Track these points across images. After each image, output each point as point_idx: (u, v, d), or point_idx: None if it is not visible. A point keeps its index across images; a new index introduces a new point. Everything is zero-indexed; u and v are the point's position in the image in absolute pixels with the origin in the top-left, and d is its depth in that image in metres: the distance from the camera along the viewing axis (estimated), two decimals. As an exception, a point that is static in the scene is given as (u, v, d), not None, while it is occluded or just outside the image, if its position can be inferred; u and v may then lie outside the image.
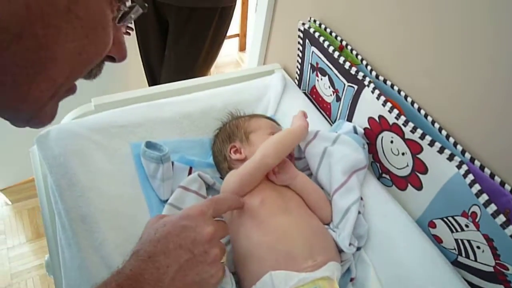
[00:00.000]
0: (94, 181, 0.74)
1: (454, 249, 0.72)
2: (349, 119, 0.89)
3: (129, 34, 1.53)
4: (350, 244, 0.73)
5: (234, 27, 2.72)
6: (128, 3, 0.42)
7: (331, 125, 0.95)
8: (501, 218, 0.60)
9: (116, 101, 0.92)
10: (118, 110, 0.87)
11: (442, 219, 0.72)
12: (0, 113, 0.39)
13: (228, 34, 1.60)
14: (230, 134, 0.85)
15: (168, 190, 0.79)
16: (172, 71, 1.49)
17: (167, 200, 0.77)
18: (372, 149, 0.85)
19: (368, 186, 0.81)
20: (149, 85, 1.71)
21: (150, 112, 0.88)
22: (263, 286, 0.64)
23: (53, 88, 0.38)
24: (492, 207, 0.61)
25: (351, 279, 0.74)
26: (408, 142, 0.74)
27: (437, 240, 0.75)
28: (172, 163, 0.82)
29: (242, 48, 2.94)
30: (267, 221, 0.70)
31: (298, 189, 0.77)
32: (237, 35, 2.88)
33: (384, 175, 0.85)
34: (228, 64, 2.94)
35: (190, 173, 0.84)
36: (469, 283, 0.70)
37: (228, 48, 2.96)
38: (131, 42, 1.56)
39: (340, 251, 0.73)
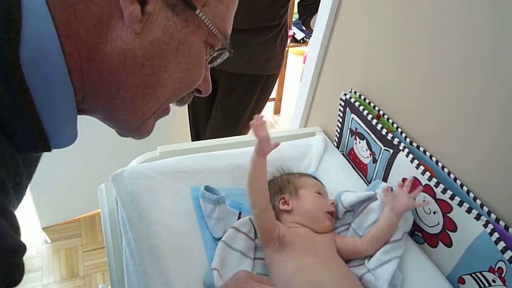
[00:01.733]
0: (160, 217, 0.85)
1: (483, 304, 0.78)
2: (385, 179, 0.99)
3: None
4: (386, 291, 0.80)
5: (270, 91, 2.95)
6: (217, 48, 0.54)
7: (367, 184, 1.05)
8: (525, 273, 0.67)
9: (178, 150, 1.06)
10: (181, 157, 1.00)
11: (470, 274, 0.79)
12: (115, 123, 0.50)
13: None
14: (281, 187, 0.97)
15: (221, 229, 0.89)
16: (218, 128, 1.64)
17: (220, 238, 0.88)
18: (405, 208, 0.94)
19: (408, 243, 0.89)
20: (192, 141, 1.87)
21: (208, 162, 1.01)
22: None
23: (156, 106, 0.50)
24: (517, 263, 0.69)
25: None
26: (439, 202, 0.83)
27: (466, 296, 0.81)
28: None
29: (277, 111, 3.14)
30: (301, 264, 0.80)
31: (395, 221, 0.86)
32: (273, 99, 3.09)
33: (416, 232, 0.93)
34: (263, 126, 3.12)
35: (239, 217, 0.95)
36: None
37: (264, 110, 3.17)
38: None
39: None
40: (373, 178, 1.04)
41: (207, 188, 0.92)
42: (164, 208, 0.88)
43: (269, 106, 3.21)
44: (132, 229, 0.82)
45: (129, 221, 0.83)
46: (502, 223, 0.75)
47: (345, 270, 0.83)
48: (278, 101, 3.09)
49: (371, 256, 0.86)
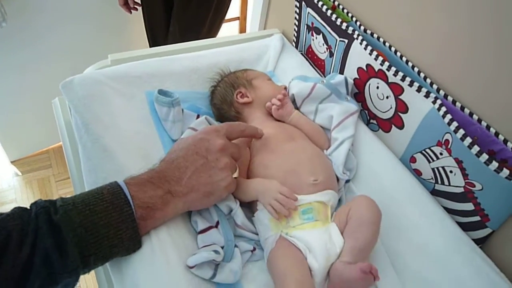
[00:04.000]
0: (115, 120, 0.83)
1: (432, 178, 0.82)
2: (341, 72, 0.99)
3: (136, 9, 1.62)
4: (344, 173, 0.83)
5: (234, 10, 2.81)
6: None
7: (325, 80, 1.05)
8: (468, 140, 0.71)
9: (130, 57, 1.02)
10: (134, 63, 0.97)
11: (421, 152, 0.82)
12: None
13: (229, 17, 1.68)
14: (232, 83, 0.95)
15: (178, 131, 0.89)
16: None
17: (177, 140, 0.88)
18: (360, 98, 0.95)
19: (357, 129, 0.91)
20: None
21: (163, 66, 0.98)
22: None
23: None
24: (461, 132, 0.72)
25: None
26: (391, 86, 0.84)
27: (417, 174, 0.85)
28: (182, 110, 0.92)
29: (243, 30, 3.03)
30: (277, 148, 0.81)
31: (294, 123, 0.88)
32: (237, 18, 2.97)
33: (371, 120, 0.95)
34: (228, 48, 3.02)
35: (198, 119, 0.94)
36: (445, 209, 0.81)
37: (229, 31, 3.05)
38: (137, 17, 1.66)
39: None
40: (330, 73, 1.04)
41: (161, 92, 0.90)
42: (118, 112, 0.86)
43: (234, 26, 3.09)
44: (87, 132, 0.80)
45: (84, 125, 0.81)
46: (450, 98, 0.77)
47: (318, 150, 0.86)
48: (243, 19, 2.97)
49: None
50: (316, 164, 0.79)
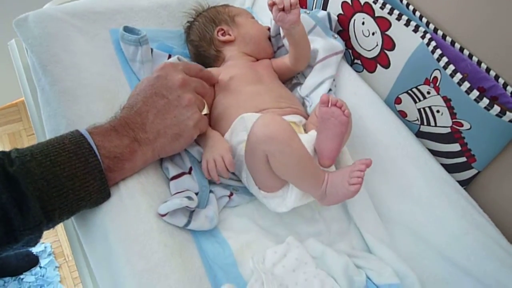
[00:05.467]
0: (76, 59, 0.75)
1: (417, 119, 0.78)
2: (324, 7, 0.92)
3: None
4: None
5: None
6: None
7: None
8: (458, 76, 0.66)
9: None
10: (96, -3, 0.87)
11: (407, 92, 0.78)
12: None
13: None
14: (213, 18, 0.87)
15: (148, 72, 0.81)
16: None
17: (148, 81, 0.80)
18: (345, 36, 0.88)
19: (340, 69, 0.86)
20: None
21: (128, 1, 0.89)
22: (235, 130, 0.70)
23: None
24: (451, 68, 0.67)
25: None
26: (378, 20, 0.78)
27: (402, 115, 0.81)
28: (152, 50, 0.85)
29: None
30: (238, 89, 0.76)
31: (297, 39, 0.77)
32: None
33: (355, 60, 0.89)
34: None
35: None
36: (430, 151, 0.77)
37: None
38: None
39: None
40: (313, 9, 0.96)
41: (127, 29, 0.81)
42: (80, 51, 0.78)
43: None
44: (45, 74, 0.72)
45: (41, 66, 0.73)
46: (440, 33, 0.71)
47: (287, 93, 0.80)
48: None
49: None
50: (282, 102, 0.74)
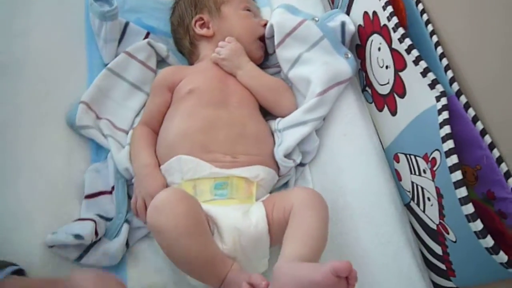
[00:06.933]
0: (31, 26, 0.66)
1: (409, 191, 0.61)
2: (348, 10, 0.71)
3: None
4: (290, 158, 0.63)
5: None
6: None
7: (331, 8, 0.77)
8: (457, 176, 0.47)
9: None
10: None
11: (406, 155, 0.60)
12: None
13: None
14: (195, 2, 0.71)
15: (111, 53, 0.70)
16: None
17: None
18: (361, 54, 0.69)
19: (344, 95, 0.67)
20: None
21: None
22: (169, 169, 0.59)
23: None
24: (453, 159, 0.47)
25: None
26: (394, 54, 0.58)
27: (398, 177, 0.64)
28: (127, 24, 0.72)
29: None
30: (193, 111, 0.61)
31: (244, 82, 0.65)
32: None
33: (367, 88, 0.70)
34: None
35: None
36: (415, 232, 0.61)
37: None
38: None
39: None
40: (339, 5, 0.75)
41: (100, -5, 0.69)
42: (38, 15, 0.68)
43: None
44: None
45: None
46: (463, 100, 0.51)
47: (251, 128, 0.64)
48: None
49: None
50: (239, 143, 0.60)
